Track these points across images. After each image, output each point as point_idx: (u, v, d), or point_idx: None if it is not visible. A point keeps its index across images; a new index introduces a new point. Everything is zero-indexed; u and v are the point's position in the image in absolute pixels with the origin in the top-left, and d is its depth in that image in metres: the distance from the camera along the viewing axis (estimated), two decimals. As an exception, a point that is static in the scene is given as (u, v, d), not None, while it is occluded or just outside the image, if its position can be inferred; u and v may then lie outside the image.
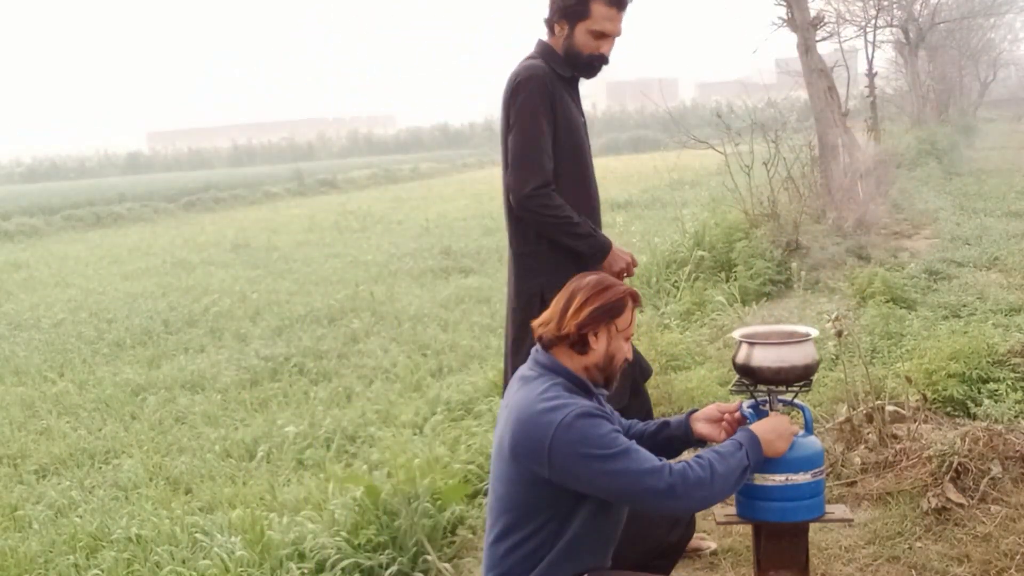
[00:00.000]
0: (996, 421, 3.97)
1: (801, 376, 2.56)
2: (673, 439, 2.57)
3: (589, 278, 2.45)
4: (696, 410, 2.59)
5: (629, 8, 3.23)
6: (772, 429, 2.39)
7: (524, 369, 2.44)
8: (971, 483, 3.56)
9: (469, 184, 25.77)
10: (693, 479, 2.20)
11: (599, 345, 2.38)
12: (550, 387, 2.31)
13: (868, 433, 4.01)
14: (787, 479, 2.44)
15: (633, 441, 2.28)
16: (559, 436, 2.20)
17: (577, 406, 2.24)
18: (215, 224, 18.92)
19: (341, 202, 22.07)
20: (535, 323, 2.44)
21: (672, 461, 2.26)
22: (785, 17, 11.76)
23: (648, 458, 2.22)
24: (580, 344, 2.37)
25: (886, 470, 3.80)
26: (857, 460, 3.88)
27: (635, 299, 2.46)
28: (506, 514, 2.34)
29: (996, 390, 4.33)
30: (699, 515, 3.54)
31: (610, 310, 2.38)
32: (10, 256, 15.31)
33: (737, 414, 2.51)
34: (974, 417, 4.11)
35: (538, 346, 2.44)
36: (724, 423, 2.52)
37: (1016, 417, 4.06)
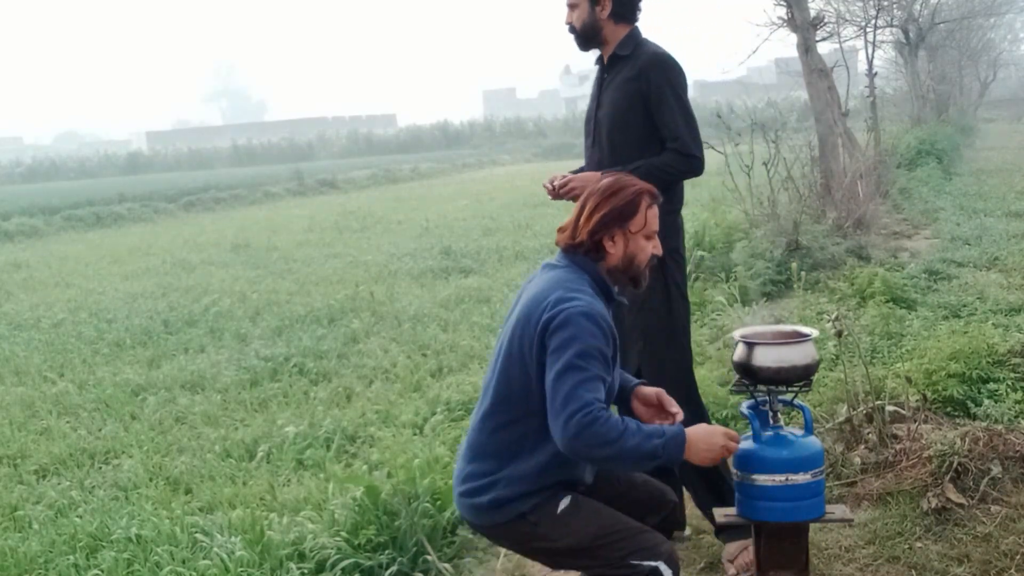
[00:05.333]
0: (996, 421, 3.97)
1: (801, 376, 2.56)
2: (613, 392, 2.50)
3: (603, 181, 2.42)
4: (644, 383, 2.54)
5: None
6: (703, 439, 2.29)
7: (551, 259, 2.45)
8: (971, 483, 3.56)
9: (469, 184, 25.75)
10: (602, 432, 2.15)
11: (616, 249, 2.38)
12: (577, 279, 2.33)
13: (868, 433, 4.01)
14: (787, 479, 2.44)
15: (608, 378, 2.27)
16: (564, 314, 2.22)
17: (594, 308, 2.25)
18: (215, 224, 18.90)
19: (341, 202, 22.06)
20: (558, 228, 2.46)
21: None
22: (785, 17, 11.76)
23: (593, 392, 2.18)
24: (595, 251, 2.37)
25: (886, 470, 3.80)
26: (857, 460, 3.88)
27: (653, 196, 2.42)
28: (496, 399, 2.37)
29: (996, 390, 4.32)
30: (690, 511, 3.54)
31: (620, 214, 2.36)
32: (10, 256, 15.28)
33: (678, 416, 2.42)
34: (974, 417, 4.11)
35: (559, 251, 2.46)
36: (661, 419, 2.45)
37: (1016, 417, 4.06)
